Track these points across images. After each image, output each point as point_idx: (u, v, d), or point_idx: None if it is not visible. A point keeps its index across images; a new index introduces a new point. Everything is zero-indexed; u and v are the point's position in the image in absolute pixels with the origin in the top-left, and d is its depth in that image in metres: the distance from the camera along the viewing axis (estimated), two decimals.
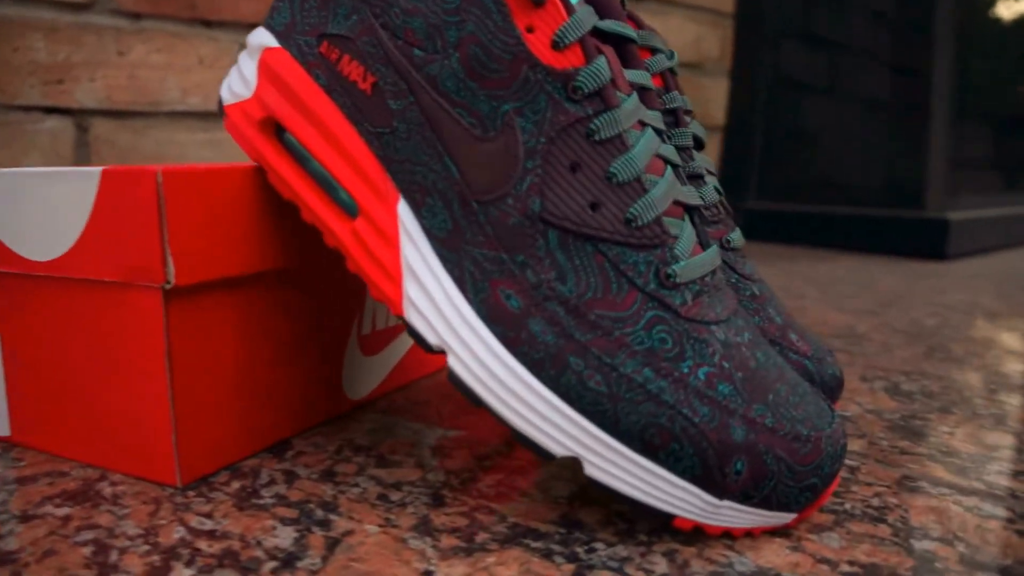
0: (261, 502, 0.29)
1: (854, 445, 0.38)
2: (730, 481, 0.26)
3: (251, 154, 0.32)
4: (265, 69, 0.31)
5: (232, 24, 0.78)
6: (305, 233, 0.34)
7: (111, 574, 0.24)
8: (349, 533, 0.27)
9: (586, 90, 0.26)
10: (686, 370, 0.26)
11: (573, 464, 0.34)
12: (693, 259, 0.27)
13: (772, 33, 1.36)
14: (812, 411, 0.28)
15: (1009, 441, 0.39)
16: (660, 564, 0.26)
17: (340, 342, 0.39)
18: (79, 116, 0.70)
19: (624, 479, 0.26)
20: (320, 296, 0.37)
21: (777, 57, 1.37)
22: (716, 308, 0.28)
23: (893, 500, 0.31)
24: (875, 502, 0.31)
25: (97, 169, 0.30)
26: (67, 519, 0.28)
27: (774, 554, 0.27)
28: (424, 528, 0.28)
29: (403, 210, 0.28)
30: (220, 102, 0.33)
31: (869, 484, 0.33)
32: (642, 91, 0.30)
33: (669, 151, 0.29)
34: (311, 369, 0.37)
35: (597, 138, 0.26)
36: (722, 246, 0.37)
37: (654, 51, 0.36)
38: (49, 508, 0.29)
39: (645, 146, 0.27)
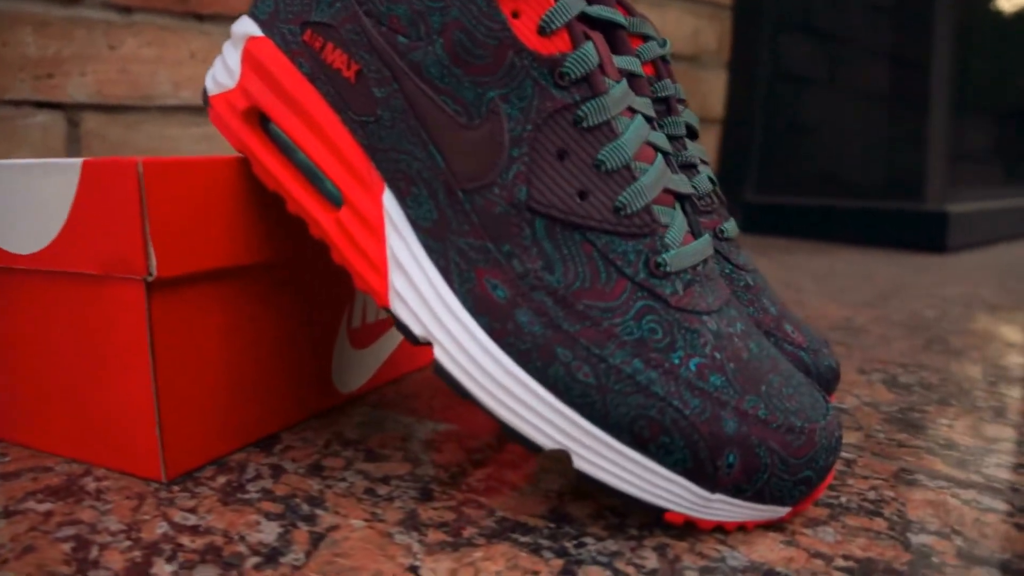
0: (246, 497, 0.29)
1: (851, 438, 0.37)
2: (722, 474, 0.25)
3: (236, 145, 0.31)
4: (249, 58, 0.30)
5: (224, 17, 0.77)
6: (291, 225, 0.34)
7: (91, 570, 0.24)
8: (334, 528, 0.27)
9: (573, 76, 0.26)
10: (677, 361, 0.25)
11: (563, 457, 0.33)
12: (684, 248, 0.27)
13: (771, 25, 1.36)
14: (806, 403, 0.27)
15: (1009, 434, 0.38)
16: (651, 559, 0.25)
17: (329, 336, 0.38)
18: (70, 111, 0.69)
19: (614, 472, 0.25)
20: (308, 289, 0.36)
21: (776, 49, 1.37)
22: (708, 298, 0.27)
23: (890, 493, 0.31)
24: (871, 495, 0.31)
25: (78, 161, 0.29)
26: (49, 515, 0.27)
27: (767, 549, 0.26)
28: (411, 523, 0.27)
29: (388, 200, 0.27)
30: (205, 93, 0.33)
31: (865, 477, 0.32)
32: (632, 78, 0.30)
33: (660, 138, 0.28)
34: (299, 363, 0.36)
35: (585, 125, 0.26)
36: (716, 236, 0.36)
37: (645, 38, 0.35)
38: (31, 504, 0.28)
39: (634, 133, 0.27)
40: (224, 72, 0.31)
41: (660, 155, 0.28)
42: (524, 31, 0.26)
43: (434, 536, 0.26)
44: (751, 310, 0.36)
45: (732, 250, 0.37)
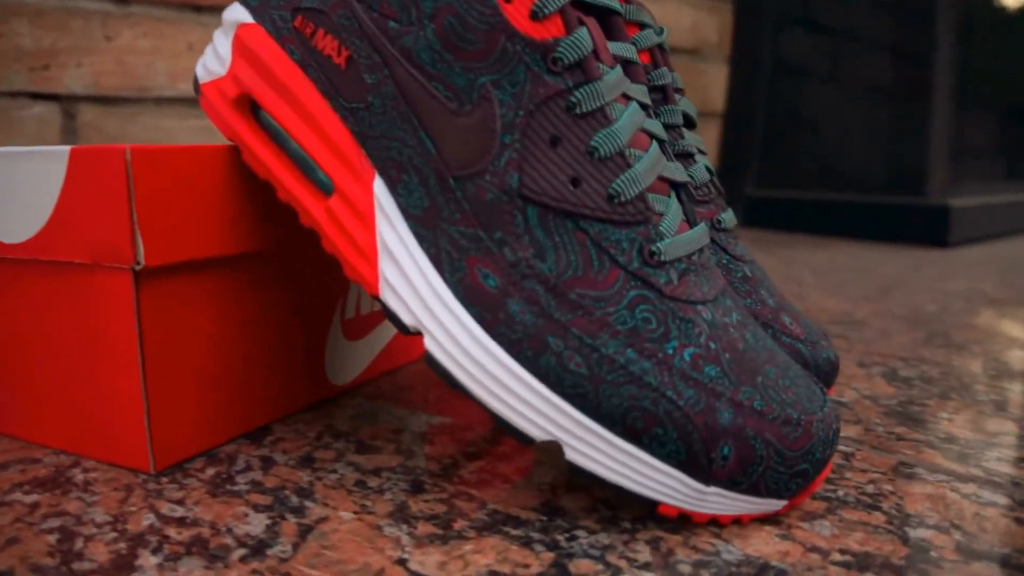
0: (235, 488, 0.29)
1: (849, 431, 0.37)
2: (716, 466, 0.25)
3: (226, 133, 0.31)
4: (239, 45, 0.30)
5: (221, 9, 0.77)
6: (282, 214, 0.33)
7: (75, 562, 0.24)
8: (323, 520, 0.26)
9: (566, 61, 0.25)
10: (671, 351, 0.25)
11: (555, 449, 0.33)
12: (679, 237, 0.26)
13: (772, 18, 1.35)
14: (803, 394, 0.27)
15: (1010, 428, 0.38)
16: (643, 552, 0.25)
17: (322, 327, 0.38)
18: (66, 102, 0.69)
19: (606, 464, 0.25)
20: (301, 279, 0.36)
21: (777, 43, 1.36)
22: (703, 287, 0.27)
23: (888, 487, 0.30)
24: (869, 489, 0.30)
25: (66, 148, 0.29)
26: (35, 506, 0.27)
27: (763, 542, 0.26)
28: (400, 515, 0.27)
29: (379, 188, 0.27)
30: (196, 81, 0.32)
31: (864, 471, 0.32)
32: (627, 64, 0.29)
33: (655, 126, 0.28)
34: (291, 354, 0.36)
35: (578, 111, 0.25)
36: (713, 226, 0.36)
37: (642, 26, 0.35)
38: (18, 495, 0.28)
39: (629, 120, 0.26)
40: (215, 60, 0.31)
41: (655, 142, 0.27)
42: (516, 16, 0.25)
43: (424, 528, 0.26)
44: (749, 301, 0.35)
45: (730, 241, 0.36)
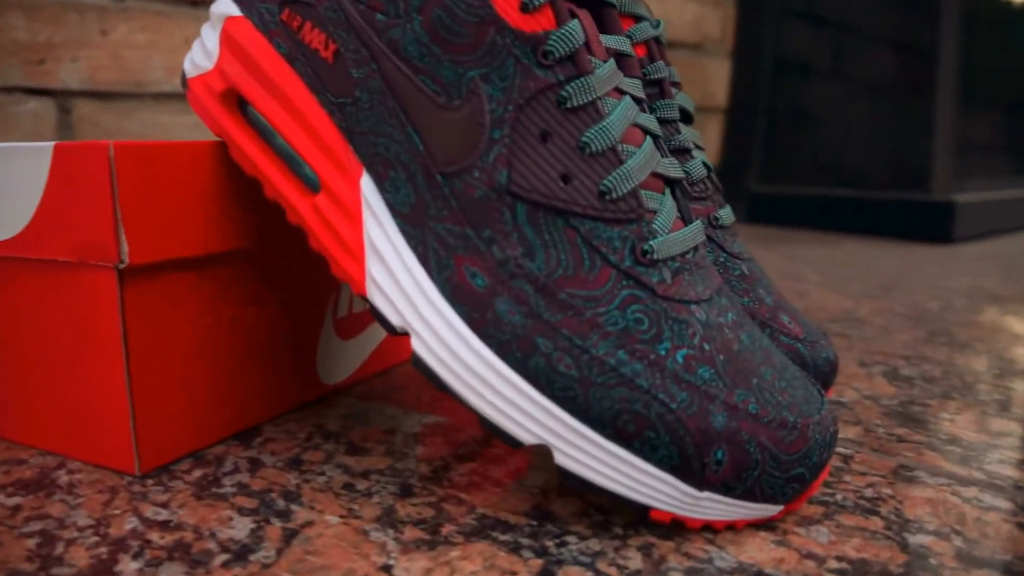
0: (221, 491, 0.28)
1: (849, 432, 0.36)
2: (710, 471, 0.24)
3: (213, 128, 0.30)
4: (227, 39, 0.29)
5: None
6: (270, 212, 0.33)
7: (54, 567, 0.23)
8: (308, 524, 0.26)
9: (557, 54, 0.25)
10: (663, 352, 0.24)
11: (546, 453, 0.32)
12: (673, 235, 0.26)
13: (774, 13, 1.34)
14: (800, 396, 0.26)
15: (1014, 428, 0.37)
16: (635, 559, 0.24)
17: (314, 325, 0.37)
18: (62, 97, 0.69)
19: (596, 468, 0.24)
20: (291, 277, 0.35)
21: (780, 37, 1.35)
22: (697, 287, 0.26)
23: (887, 491, 0.30)
24: (868, 493, 0.30)
25: (50, 144, 0.28)
26: (17, 509, 0.27)
27: (757, 549, 0.25)
28: (388, 519, 0.26)
29: (366, 184, 0.26)
30: (184, 75, 0.32)
31: (863, 474, 0.31)
32: (620, 58, 0.28)
33: (649, 121, 0.27)
34: (282, 354, 0.36)
35: (569, 105, 0.25)
36: (710, 224, 0.35)
37: (638, 19, 0.34)
38: (0, 498, 0.27)
39: (621, 114, 0.25)
40: (202, 54, 0.30)
41: (649, 138, 0.27)
42: (506, 8, 0.24)
43: (411, 534, 0.25)
44: (746, 300, 0.35)
45: (727, 238, 0.36)
